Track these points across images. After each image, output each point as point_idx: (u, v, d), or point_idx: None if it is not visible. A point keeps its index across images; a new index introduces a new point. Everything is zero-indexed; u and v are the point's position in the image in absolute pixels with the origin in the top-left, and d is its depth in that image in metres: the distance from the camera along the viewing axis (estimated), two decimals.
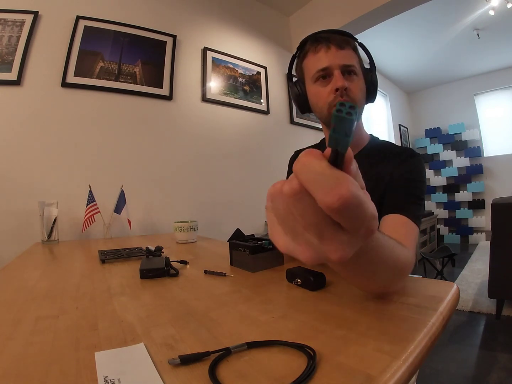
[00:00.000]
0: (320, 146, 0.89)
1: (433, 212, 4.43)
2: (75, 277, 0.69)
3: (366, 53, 0.74)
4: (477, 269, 2.91)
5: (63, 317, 0.43)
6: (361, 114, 0.75)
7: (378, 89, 0.77)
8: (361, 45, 0.74)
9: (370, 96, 0.73)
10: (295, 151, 0.98)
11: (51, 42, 1.55)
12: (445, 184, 4.81)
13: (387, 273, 0.41)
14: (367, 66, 0.75)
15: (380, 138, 0.84)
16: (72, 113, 1.58)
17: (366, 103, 0.75)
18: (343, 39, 0.68)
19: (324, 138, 0.87)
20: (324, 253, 0.22)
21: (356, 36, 0.73)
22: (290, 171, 0.93)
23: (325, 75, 0.67)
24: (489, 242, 1.84)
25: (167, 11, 2.00)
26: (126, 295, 0.54)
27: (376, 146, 0.78)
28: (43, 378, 0.28)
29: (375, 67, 0.74)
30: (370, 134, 0.84)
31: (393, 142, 0.83)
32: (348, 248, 0.22)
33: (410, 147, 5.02)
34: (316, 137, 2.67)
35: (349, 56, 0.67)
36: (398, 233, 0.55)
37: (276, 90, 2.57)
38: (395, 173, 0.68)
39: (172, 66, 1.93)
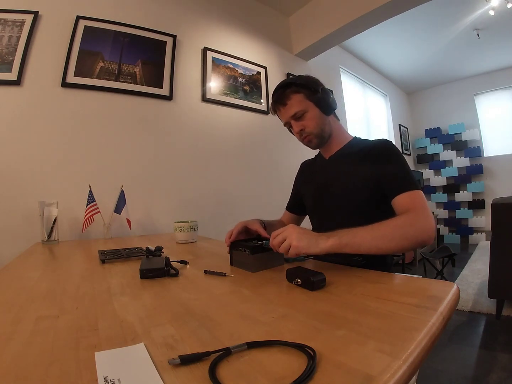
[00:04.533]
0: (315, 159, 1.07)
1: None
2: (75, 277, 0.69)
3: (305, 86, 0.85)
4: (477, 269, 2.91)
5: (63, 317, 0.43)
6: (329, 127, 0.90)
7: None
8: (298, 84, 0.86)
9: (327, 109, 0.87)
10: (301, 163, 1.13)
11: (51, 42, 1.55)
12: (445, 184, 4.81)
13: (392, 241, 0.60)
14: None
15: (362, 138, 0.94)
16: (72, 113, 1.58)
17: (329, 114, 0.89)
18: (284, 95, 0.86)
19: (319, 152, 1.03)
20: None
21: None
22: (296, 179, 1.12)
23: (289, 126, 0.92)
24: (489, 242, 1.84)
25: (167, 11, 2.00)
26: (126, 295, 0.54)
27: (351, 147, 0.91)
28: (43, 378, 0.28)
29: (317, 87, 0.86)
30: (354, 137, 0.95)
31: (393, 142, 0.87)
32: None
33: (410, 147, 5.03)
34: None
35: (292, 106, 0.86)
36: (405, 206, 0.71)
37: None
38: (377, 172, 0.79)
39: (172, 66, 1.93)
